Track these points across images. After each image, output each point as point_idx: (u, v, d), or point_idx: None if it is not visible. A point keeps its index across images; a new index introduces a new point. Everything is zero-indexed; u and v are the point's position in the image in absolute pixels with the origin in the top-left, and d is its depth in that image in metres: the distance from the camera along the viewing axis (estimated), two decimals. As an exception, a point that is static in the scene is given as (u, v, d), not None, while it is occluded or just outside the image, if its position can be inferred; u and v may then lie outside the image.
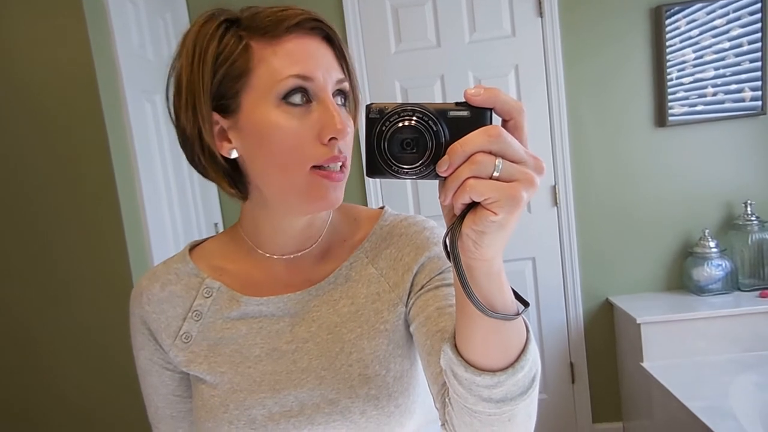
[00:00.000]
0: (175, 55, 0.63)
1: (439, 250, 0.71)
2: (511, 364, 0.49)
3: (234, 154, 0.64)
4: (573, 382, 2.57)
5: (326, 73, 0.61)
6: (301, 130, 0.59)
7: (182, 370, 0.71)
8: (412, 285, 0.70)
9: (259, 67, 0.59)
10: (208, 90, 0.61)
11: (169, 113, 0.65)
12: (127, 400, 1.68)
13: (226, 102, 0.61)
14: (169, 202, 1.98)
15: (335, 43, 0.63)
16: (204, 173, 0.67)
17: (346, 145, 0.62)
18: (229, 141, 0.63)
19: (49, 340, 1.71)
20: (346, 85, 0.64)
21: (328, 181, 0.61)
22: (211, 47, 0.60)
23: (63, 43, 1.59)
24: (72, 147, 1.62)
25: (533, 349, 0.51)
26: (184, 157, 0.68)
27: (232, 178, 0.66)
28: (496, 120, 0.42)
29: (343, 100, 0.64)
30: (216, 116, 0.62)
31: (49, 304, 1.70)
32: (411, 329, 0.68)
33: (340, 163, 0.62)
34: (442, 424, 0.60)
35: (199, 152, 0.64)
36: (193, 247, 0.76)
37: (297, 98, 0.59)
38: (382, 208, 0.78)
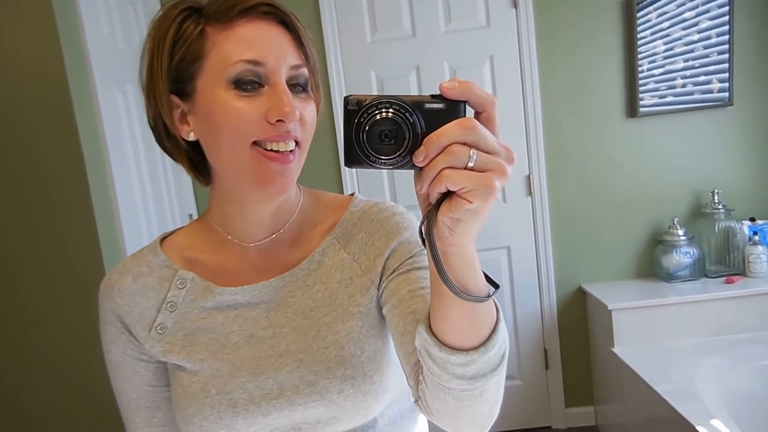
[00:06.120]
0: (145, 40, 0.65)
1: (410, 234, 0.73)
2: (483, 343, 0.52)
3: (192, 137, 0.66)
4: (547, 368, 2.62)
5: (279, 58, 0.61)
6: (247, 110, 0.60)
7: (158, 360, 0.71)
8: (383, 269, 0.72)
9: (212, 52, 0.61)
10: (166, 73, 0.63)
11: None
12: (98, 409, 1.66)
13: (183, 86, 0.64)
14: (142, 193, 1.94)
15: (291, 28, 0.63)
16: (170, 155, 0.71)
17: (299, 130, 0.63)
18: (188, 124, 0.65)
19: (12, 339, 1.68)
20: (302, 71, 0.64)
21: (273, 163, 0.61)
22: (170, 31, 0.62)
23: (29, 31, 1.54)
24: (41, 138, 1.58)
25: (503, 329, 0.54)
26: (157, 146, 0.70)
27: (194, 161, 0.70)
28: (470, 112, 0.43)
29: (300, 87, 0.64)
30: (176, 100, 0.65)
31: (16, 298, 1.66)
32: (384, 311, 0.70)
33: (291, 144, 0.62)
34: (415, 401, 0.63)
35: (164, 134, 0.68)
36: (163, 238, 0.76)
37: (247, 83, 0.60)
38: (351, 194, 0.79)
